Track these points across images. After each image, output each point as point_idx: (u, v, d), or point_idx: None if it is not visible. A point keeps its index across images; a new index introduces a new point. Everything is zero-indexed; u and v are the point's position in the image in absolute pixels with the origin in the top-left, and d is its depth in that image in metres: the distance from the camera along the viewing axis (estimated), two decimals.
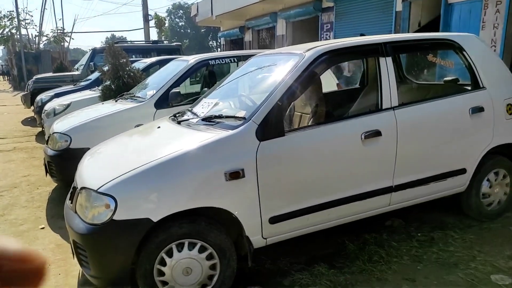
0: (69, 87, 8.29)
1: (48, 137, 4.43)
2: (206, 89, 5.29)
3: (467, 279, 2.53)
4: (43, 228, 3.65)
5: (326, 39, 11.26)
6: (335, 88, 5.02)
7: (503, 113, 3.17)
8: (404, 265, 2.73)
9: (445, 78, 3.90)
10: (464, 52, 3.17)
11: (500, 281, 2.49)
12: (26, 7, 52.53)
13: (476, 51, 3.21)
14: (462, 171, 3.08)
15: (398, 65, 3.90)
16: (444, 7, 7.55)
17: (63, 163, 4.00)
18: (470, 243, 2.97)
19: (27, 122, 10.29)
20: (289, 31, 13.57)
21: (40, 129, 8.37)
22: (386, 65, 2.85)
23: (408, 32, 8.39)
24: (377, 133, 2.68)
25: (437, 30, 7.69)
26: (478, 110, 3.04)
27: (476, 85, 3.17)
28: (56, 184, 4.68)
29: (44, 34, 27.85)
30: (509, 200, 3.39)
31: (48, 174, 4.28)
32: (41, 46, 28.97)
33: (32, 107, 9.22)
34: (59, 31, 25.95)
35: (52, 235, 3.48)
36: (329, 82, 4.82)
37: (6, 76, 30.33)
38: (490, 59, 3.34)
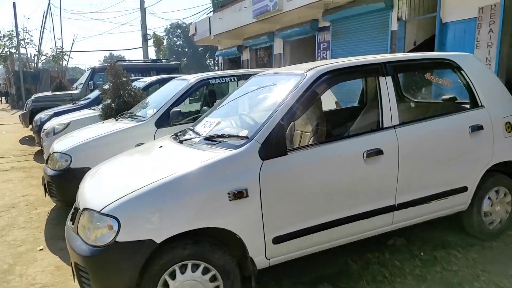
0: (68, 106, 8.31)
1: (48, 156, 4.42)
2: (206, 107, 5.32)
3: None
4: (42, 249, 3.60)
5: (323, 58, 11.41)
6: (334, 107, 5.07)
7: (502, 131, 3.20)
8: (408, 285, 2.70)
9: (443, 97, 3.95)
10: (462, 71, 3.22)
11: None
12: (26, 27, 52.93)
13: (474, 70, 3.26)
14: (464, 189, 3.08)
15: (396, 84, 3.95)
16: (439, 27, 7.70)
17: (64, 183, 3.97)
18: (473, 262, 2.95)
19: (25, 141, 10.26)
20: (287, 50, 13.75)
21: (38, 148, 8.35)
22: (386, 84, 2.89)
23: (404, 51, 8.53)
24: (379, 152, 2.69)
25: (432, 49, 7.83)
26: (477, 128, 3.07)
27: (474, 103, 3.21)
28: (54, 204, 4.64)
29: (43, 54, 28.10)
30: (510, 218, 3.39)
31: (47, 194, 4.24)
32: (40, 65, 29.17)
33: (31, 126, 9.22)
34: (58, 50, 26.16)
35: (51, 257, 3.43)
36: (328, 101, 4.87)
37: (4, 98, 30.35)
38: (488, 77, 3.39)
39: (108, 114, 5.69)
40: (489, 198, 3.25)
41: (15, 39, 26.20)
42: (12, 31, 26.63)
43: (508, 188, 3.33)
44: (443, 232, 3.45)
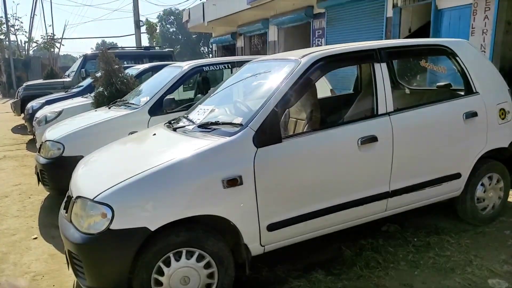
0: (60, 94, 8.22)
1: (40, 145, 4.37)
2: (200, 95, 5.29)
3: (464, 284, 2.54)
4: (35, 238, 3.58)
5: (318, 45, 11.33)
6: (329, 94, 5.05)
7: (496, 118, 3.21)
8: (401, 271, 2.73)
9: (437, 84, 3.94)
10: (457, 58, 3.21)
11: (497, 286, 2.50)
12: (15, 13, 51.98)
13: (469, 57, 3.25)
14: (457, 175, 3.10)
15: (391, 71, 3.93)
16: (434, 13, 7.66)
17: (56, 171, 3.94)
18: (466, 247, 2.98)
19: (17, 129, 10.16)
20: (281, 37, 13.64)
21: (30, 136, 8.27)
22: (381, 70, 2.87)
23: (399, 38, 8.49)
24: (373, 139, 2.69)
25: (427, 36, 7.80)
26: (471, 115, 3.07)
27: (469, 90, 3.21)
28: (48, 193, 4.61)
29: (34, 40, 27.64)
30: (503, 204, 3.43)
31: (40, 182, 4.21)
32: (31, 52, 28.72)
33: (23, 115, 9.12)
34: (49, 37, 25.74)
35: (45, 245, 3.42)
36: (322, 88, 4.84)
37: None
38: (482, 64, 3.39)
39: (100, 102, 5.63)
40: (482, 184, 3.27)
41: (5, 25, 25.74)
42: (1, 17, 26.20)
43: (501, 174, 3.35)
44: (437, 218, 3.48)
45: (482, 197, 3.30)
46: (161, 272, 2.19)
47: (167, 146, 2.69)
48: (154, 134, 2.98)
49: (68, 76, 10.94)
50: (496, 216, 3.41)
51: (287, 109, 3.11)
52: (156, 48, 14.52)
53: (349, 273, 2.71)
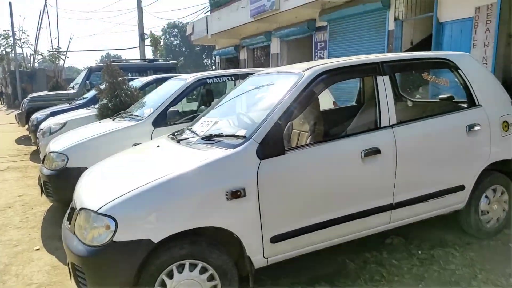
0: (65, 105, 8.27)
1: (44, 156, 4.39)
2: (203, 107, 5.31)
3: None
4: (38, 249, 3.58)
5: (320, 57, 11.42)
6: (331, 106, 5.07)
7: (499, 130, 3.21)
8: (406, 284, 2.70)
9: (440, 96, 3.95)
10: (459, 71, 3.22)
11: None
12: (22, 27, 52.71)
13: (471, 70, 3.27)
14: (461, 187, 3.09)
15: (394, 84, 3.94)
16: (435, 26, 7.72)
17: (60, 182, 3.95)
18: (471, 261, 2.96)
19: (21, 140, 10.22)
20: (284, 50, 13.75)
21: (34, 147, 8.31)
22: (384, 83, 2.89)
23: (401, 50, 8.54)
24: (377, 151, 2.69)
25: (429, 49, 7.85)
26: (474, 127, 3.08)
27: (471, 103, 3.22)
28: (51, 204, 4.62)
29: (40, 53, 27.95)
30: (507, 217, 3.40)
31: (44, 194, 4.22)
32: (36, 64, 29.02)
33: (27, 126, 9.18)
34: (54, 49, 26.02)
35: (47, 257, 3.41)
36: (325, 100, 4.86)
37: (0, 98, 30.17)
38: (485, 77, 3.40)
39: (104, 113, 5.67)
40: (486, 196, 3.26)
41: (11, 38, 26.07)
42: (8, 30, 26.54)
43: (505, 187, 3.34)
44: (441, 231, 3.46)
45: (486, 209, 3.28)
46: (164, 285, 2.18)
47: (170, 158, 2.70)
48: (158, 146, 2.99)
49: (73, 88, 11.03)
50: (501, 229, 3.38)
51: (290, 121, 3.13)
52: (160, 60, 14.64)
53: (353, 287, 2.69)
